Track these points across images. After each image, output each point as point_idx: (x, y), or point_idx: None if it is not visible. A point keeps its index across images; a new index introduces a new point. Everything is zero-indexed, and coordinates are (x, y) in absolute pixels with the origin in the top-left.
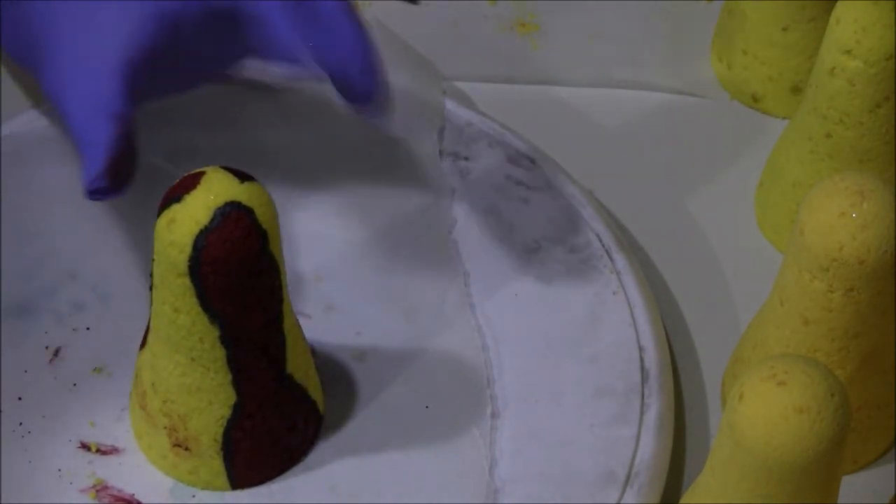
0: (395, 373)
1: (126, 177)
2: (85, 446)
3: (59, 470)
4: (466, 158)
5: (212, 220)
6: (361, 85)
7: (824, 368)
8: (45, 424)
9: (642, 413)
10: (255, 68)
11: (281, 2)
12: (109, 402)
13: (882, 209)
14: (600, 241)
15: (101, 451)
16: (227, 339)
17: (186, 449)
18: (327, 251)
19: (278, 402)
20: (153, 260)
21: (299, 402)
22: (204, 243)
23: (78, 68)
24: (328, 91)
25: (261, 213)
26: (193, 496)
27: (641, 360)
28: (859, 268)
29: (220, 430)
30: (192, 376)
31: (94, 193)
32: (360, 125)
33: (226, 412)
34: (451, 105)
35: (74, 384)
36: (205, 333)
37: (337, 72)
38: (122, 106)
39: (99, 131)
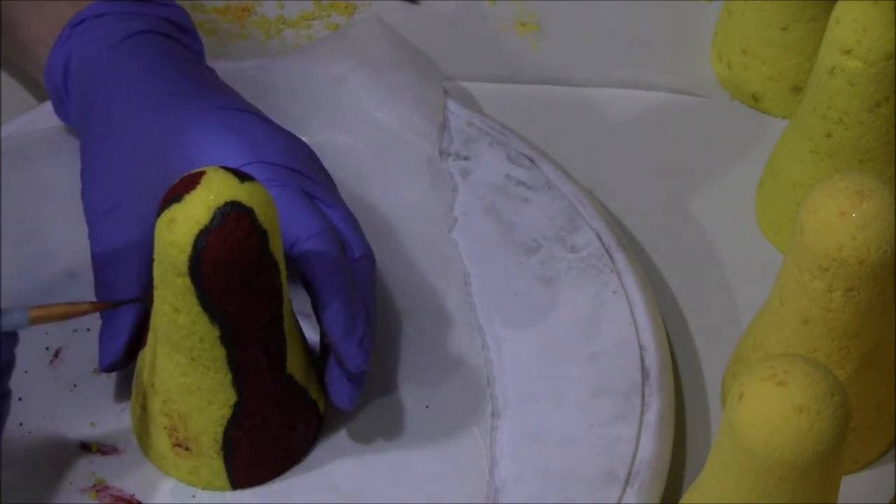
0: (395, 373)
1: (135, 354)
2: (85, 446)
3: (60, 470)
4: (467, 158)
5: (212, 220)
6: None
7: (824, 368)
8: (45, 424)
9: (642, 412)
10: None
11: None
12: (109, 402)
13: (882, 209)
14: (600, 240)
15: (101, 451)
16: (227, 339)
17: (186, 449)
18: None
19: (278, 402)
20: (153, 259)
21: (299, 402)
22: (204, 243)
23: (108, 245)
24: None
25: (261, 213)
26: (193, 496)
27: (642, 359)
28: (859, 268)
29: (220, 430)
30: (192, 376)
31: (106, 370)
32: (360, 126)
33: (226, 412)
34: (451, 105)
35: (74, 384)
36: (205, 333)
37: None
38: (139, 296)
39: (119, 324)
